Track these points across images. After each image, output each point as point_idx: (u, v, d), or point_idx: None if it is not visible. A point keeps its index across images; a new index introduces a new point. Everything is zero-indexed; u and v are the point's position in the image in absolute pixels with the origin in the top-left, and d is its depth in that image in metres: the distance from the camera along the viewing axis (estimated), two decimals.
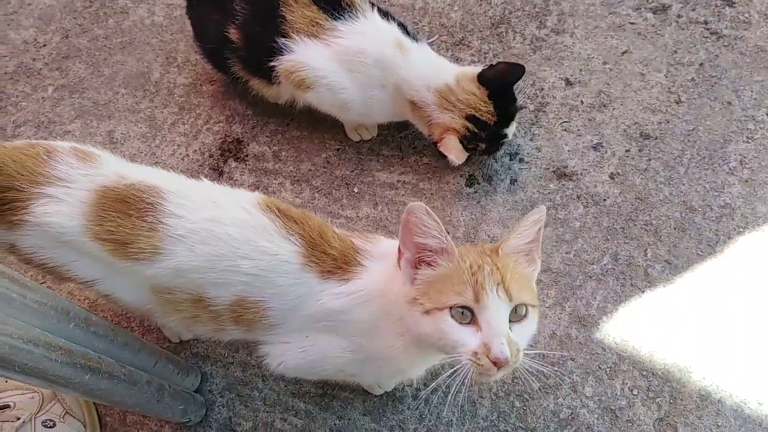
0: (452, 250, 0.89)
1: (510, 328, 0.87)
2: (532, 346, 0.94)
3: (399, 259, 0.91)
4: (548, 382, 1.32)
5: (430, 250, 0.89)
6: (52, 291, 0.98)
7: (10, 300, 0.83)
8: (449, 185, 1.58)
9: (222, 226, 0.98)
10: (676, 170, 1.55)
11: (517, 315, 0.88)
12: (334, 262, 1.00)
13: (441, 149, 1.46)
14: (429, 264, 0.90)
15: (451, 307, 0.86)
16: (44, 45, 1.85)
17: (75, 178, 1.00)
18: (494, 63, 1.46)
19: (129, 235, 0.96)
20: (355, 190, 1.59)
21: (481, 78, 1.40)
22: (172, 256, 0.97)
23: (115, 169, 1.03)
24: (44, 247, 1.01)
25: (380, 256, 1.02)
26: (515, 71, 1.41)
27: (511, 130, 1.48)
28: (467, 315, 0.86)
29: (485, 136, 1.45)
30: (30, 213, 0.97)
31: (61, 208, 0.98)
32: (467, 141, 1.45)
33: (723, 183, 1.52)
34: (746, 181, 1.52)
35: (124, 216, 0.97)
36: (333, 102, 1.48)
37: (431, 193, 1.57)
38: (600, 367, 1.33)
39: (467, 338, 0.86)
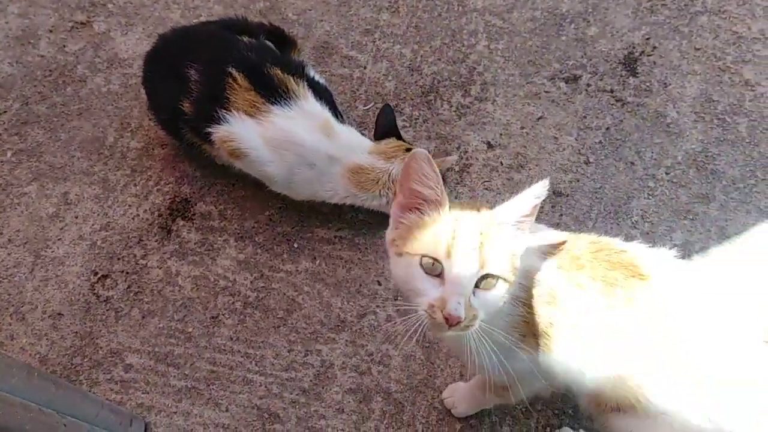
0: (444, 203, 0.91)
1: (474, 293, 0.89)
2: None
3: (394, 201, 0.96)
4: None
5: (423, 199, 0.92)
6: None
7: None
8: (383, 239, 1.71)
9: None
10: (585, 224, 1.72)
11: (486, 283, 0.90)
12: None
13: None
14: (419, 211, 0.93)
15: (422, 256, 0.89)
16: (4, 111, 1.96)
17: None
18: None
19: None
20: (295, 245, 1.72)
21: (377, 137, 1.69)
22: None
23: None
24: None
25: None
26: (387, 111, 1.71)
27: None
28: (437, 267, 0.89)
29: None
30: None
31: None
32: None
33: (626, 236, 1.68)
34: (647, 233, 1.70)
35: None
36: (259, 173, 1.63)
37: (366, 247, 1.71)
38: None
39: (429, 289, 0.89)
